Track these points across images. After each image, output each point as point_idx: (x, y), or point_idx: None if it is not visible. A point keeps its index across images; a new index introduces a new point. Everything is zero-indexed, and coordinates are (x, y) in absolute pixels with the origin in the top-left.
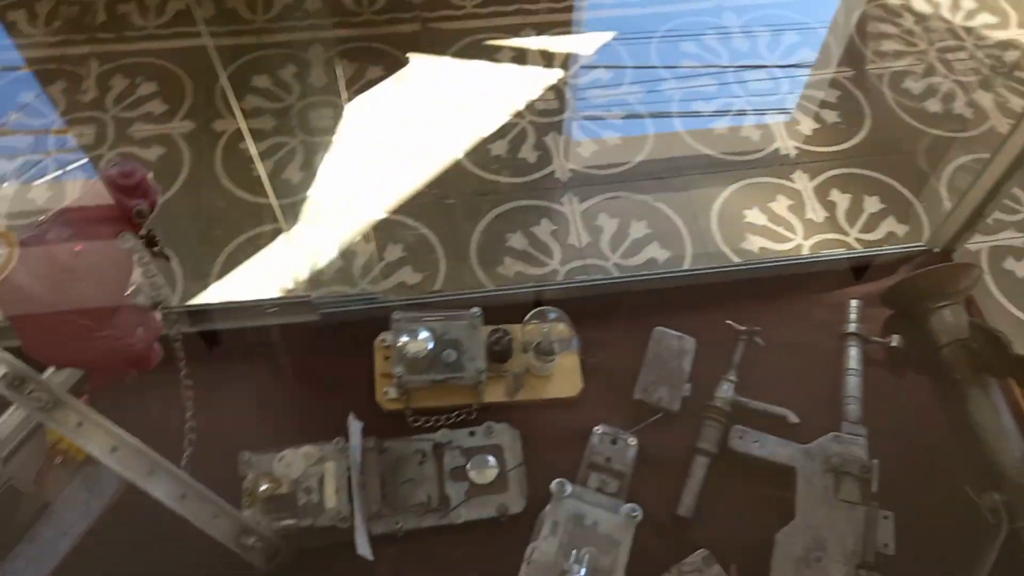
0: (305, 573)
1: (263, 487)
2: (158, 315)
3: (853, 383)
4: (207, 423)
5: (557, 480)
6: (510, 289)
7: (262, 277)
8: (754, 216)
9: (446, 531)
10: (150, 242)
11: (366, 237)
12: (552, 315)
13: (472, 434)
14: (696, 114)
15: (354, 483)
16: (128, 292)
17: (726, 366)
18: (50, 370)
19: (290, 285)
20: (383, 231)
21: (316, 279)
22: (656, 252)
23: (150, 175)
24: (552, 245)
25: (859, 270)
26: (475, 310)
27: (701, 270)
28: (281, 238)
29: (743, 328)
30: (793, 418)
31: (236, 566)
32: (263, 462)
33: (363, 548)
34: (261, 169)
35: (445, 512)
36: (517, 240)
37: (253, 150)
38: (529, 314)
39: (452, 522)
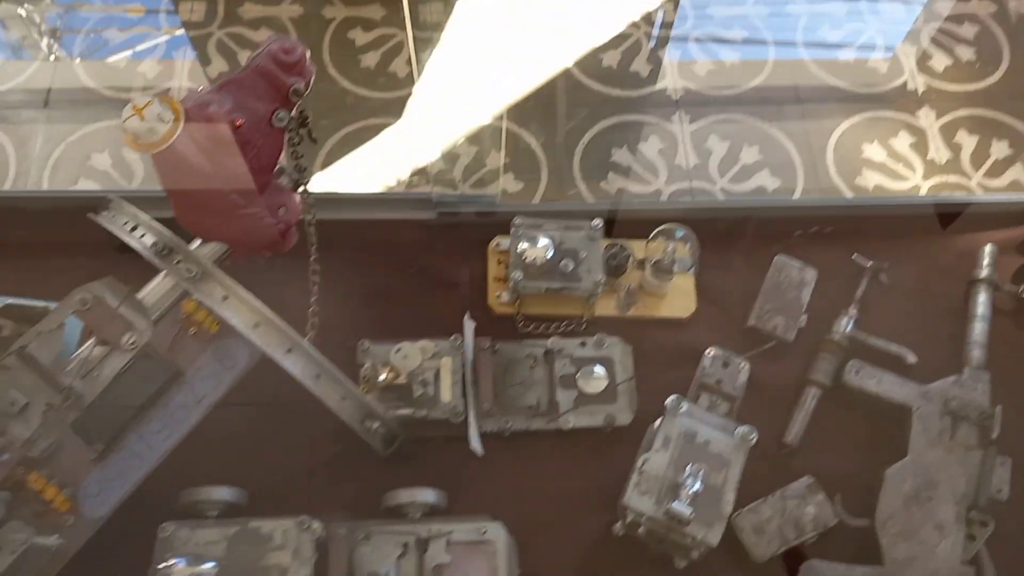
0: (417, 462)
1: (382, 376)
2: (298, 198)
3: (979, 329)
4: (327, 310)
5: (674, 396)
6: (632, 204)
7: (363, 172)
8: (872, 152)
9: (553, 435)
10: (302, 122)
11: (469, 140)
12: (679, 233)
13: (583, 344)
14: (821, 42)
15: (468, 380)
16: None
17: (845, 301)
18: (196, 242)
19: (391, 183)
20: (487, 135)
21: (415, 179)
22: (766, 180)
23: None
24: (658, 164)
25: (980, 217)
26: (596, 222)
27: (829, 201)
28: (384, 133)
29: (869, 263)
30: (911, 358)
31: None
32: (381, 352)
33: (475, 443)
34: (368, 60)
35: (553, 417)
36: (622, 156)
37: (361, 40)
38: (656, 229)
39: (560, 427)
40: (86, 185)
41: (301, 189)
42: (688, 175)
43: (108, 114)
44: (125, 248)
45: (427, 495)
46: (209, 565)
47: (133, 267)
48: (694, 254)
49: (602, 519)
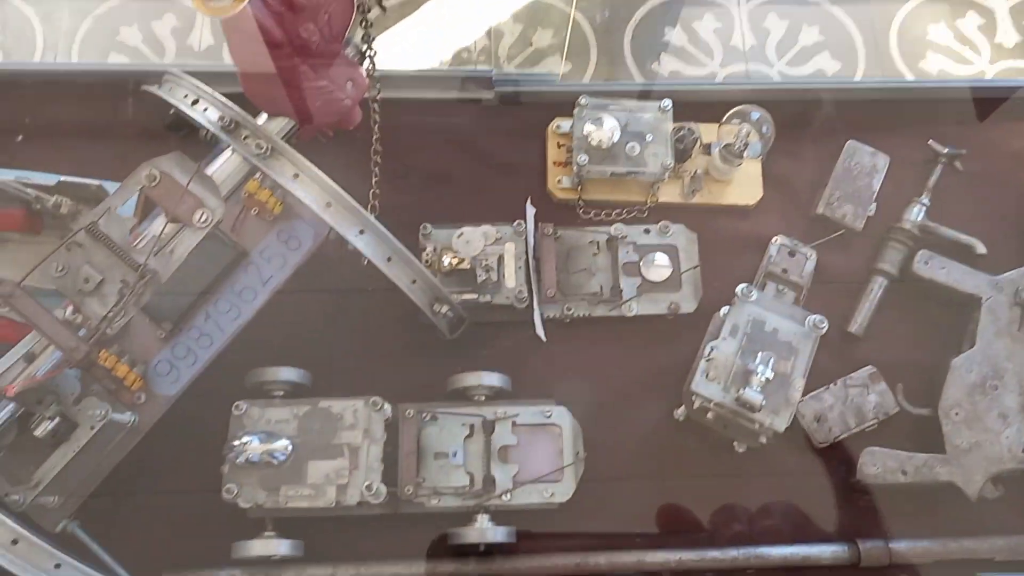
0: (479, 346)
1: (446, 260)
2: (363, 72)
3: None
4: (385, 192)
5: (744, 284)
6: (700, 85)
7: (407, 48)
8: (938, 33)
9: (615, 322)
10: None
11: (515, 17)
12: (755, 115)
13: (647, 231)
14: None
15: (531, 266)
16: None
17: (917, 189)
18: (263, 118)
19: (434, 63)
20: (533, 11)
21: (459, 58)
22: (826, 63)
23: None
24: (713, 44)
25: None
26: (666, 103)
27: (905, 83)
28: (423, 9)
29: (945, 150)
30: (981, 248)
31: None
32: (442, 237)
33: (539, 328)
34: None
35: (616, 304)
36: (676, 36)
37: None
38: (731, 111)
39: (622, 314)
40: (116, 61)
41: (368, 63)
42: (744, 57)
43: None
44: (175, 126)
45: (492, 378)
46: (283, 442)
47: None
48: (768, 138)
49: (663, 404)
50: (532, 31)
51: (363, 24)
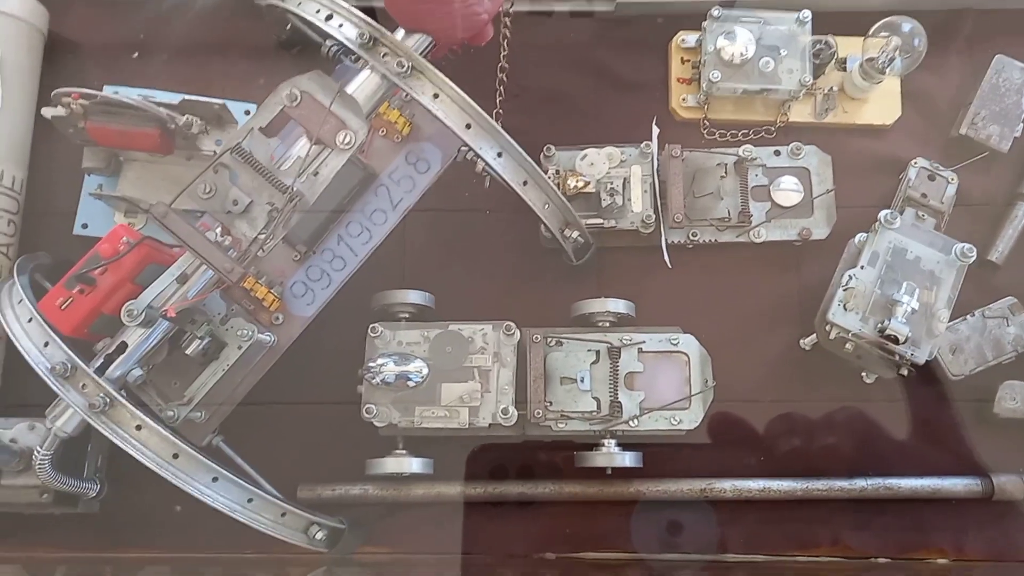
0: (604, 271)
1: (571, 183)
2: None
3: None
4: (506, 111)
5: (886, 210)
6: None
7: None
8: None
9: (743, 248)
10: None
11: None
12: (906, 27)
13: (777, 153)
14: None
15: (657, 190)
16: None
17: None
18: (400, 33)
19: None
20: None
21: None
22: None
23: None
24: None
25: None
26: (805, 14)
27: None
28: None
29: None
30: None
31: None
32: (565, 159)
33: (665, 254)
34: None
35: (744, 230)
36: None
37: None
38: (880, 22)
39: (751, 240)
40: None
41: None
42: None
43: None
44: (290, 43)
45: (618, 305)
46: (418, 364)
47: (296, 64)
48: (919, 53)
49: (790, 333)
50: None
51: None
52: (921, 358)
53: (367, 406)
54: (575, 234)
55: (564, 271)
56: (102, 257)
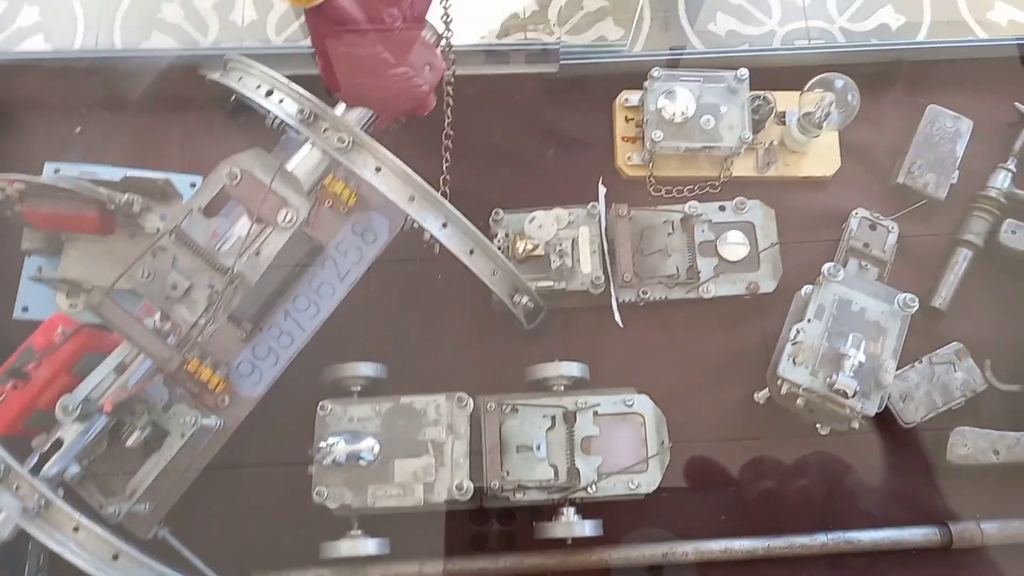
0: (557, 333)
1: (520, 247)
2: (439, 53)
3: None
4: (453, 174)
5: (829, 263)
6: (771, 50)
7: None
8: None
9: (693, 304)
10: None
11: None
12: (839, 83)
13: (722, 208)
14: None
15: (606, 250)
16: None
17: (1002, 154)
18: (340, 108)
19: (483, 33)
20: None
21: (508, 24)
22: (889, 17)
23: None
24: (772, 1)
25: None
26: (742, 72)
27: (985, 41)
28: None
29: None
30: None
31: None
32: (514, 222)
33: (616, 315)
34: None
35: (693, 286)
36: None
37: None
38: (814, 79)
39: (700, 296)
40: (159, 40)
41: (444, 42)
42: (804, 14)
43: None
44: (236, 112)
45: (572, 368)
46: (369, 442)
47: (242, 134)
48: (852, 108)
49: (744, 387)
50: None
51: (443, 2)
52: (871, 410)
53: (318, 488)
54: (525, 299)
55: (518, 334)
56: (36, 350)
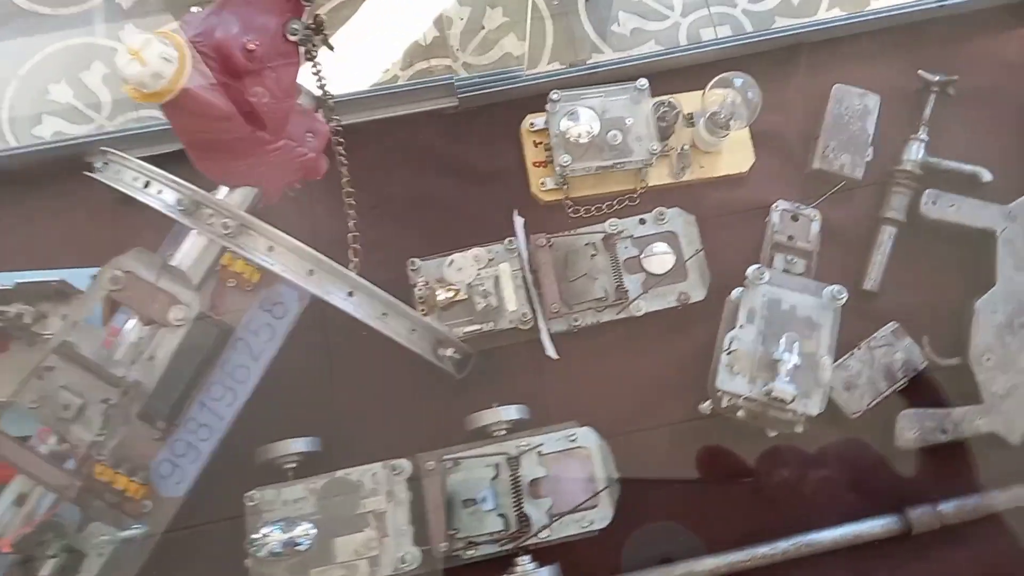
0: (492, 376)
1: (440, 295)
2: (321, 116)
3: None
4: (362, 228)
5: (754, 266)
6: (669, 53)
7: (354, 60)
8: None
9: (625, 324)
10: (317, 29)
11: (461, 1)
12: (738, 81)
13: (642, 222)
14: None
15: (530, 283)
16: None
17: (912, 125)
18: (223, 191)
19: (385, 66)
20: None
21: (410, 55)
22: None
23: None
24: None
25: None
26: (641, 82)
27: (887, 11)
28: (363, 10)
29: (936, 78)
30: (987, 176)
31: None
32: (431, 268)
33: (548, 348)
34: None
35: (623, 306)
36: None
37: None
38: (714, 80)
39: (631, 315)
40: (52, 124)
41: (323, 100)
42: (706, 2)
43: (55, 34)
44: (127, 198)
45: (510, 412)
46: (305, 526)
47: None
48: (755, 104)
49: (688, 401)
50: (481, 13)
51: (313, 67)
52: (814, 410)
53: None
54: (450, 351)
55: (453, 384)
56: None
